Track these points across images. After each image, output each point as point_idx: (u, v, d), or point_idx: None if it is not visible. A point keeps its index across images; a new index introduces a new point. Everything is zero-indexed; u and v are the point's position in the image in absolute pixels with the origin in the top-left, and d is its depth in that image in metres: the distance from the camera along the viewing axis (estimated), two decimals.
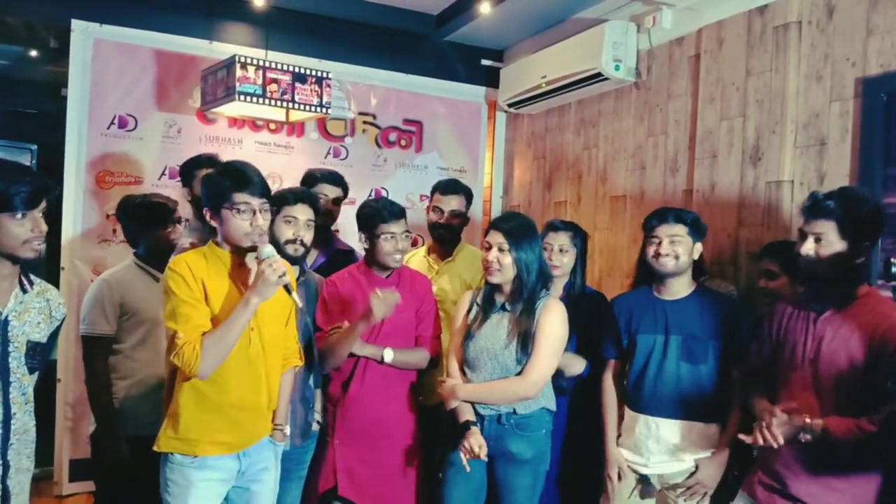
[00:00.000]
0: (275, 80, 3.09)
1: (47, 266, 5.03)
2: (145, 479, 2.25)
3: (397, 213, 2.62)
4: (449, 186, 3.20)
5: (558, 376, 2.56)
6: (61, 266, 3.66)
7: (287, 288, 2.06)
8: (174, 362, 1.99)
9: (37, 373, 1.95)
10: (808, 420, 1.85)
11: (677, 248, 2.41)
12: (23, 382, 1.90)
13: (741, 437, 1.99)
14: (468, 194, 3.22)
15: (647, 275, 2.59)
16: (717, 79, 3.15)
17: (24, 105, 4.94)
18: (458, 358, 2.52)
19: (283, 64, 3.20)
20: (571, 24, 4.00)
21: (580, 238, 2.82)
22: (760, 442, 1.89)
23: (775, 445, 1.87)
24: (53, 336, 2.01)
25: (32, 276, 2.00)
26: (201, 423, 2.07)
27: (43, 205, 1.87)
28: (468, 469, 2.36)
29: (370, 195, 4.31)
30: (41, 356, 1.94)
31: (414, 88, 4.50)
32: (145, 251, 2.75)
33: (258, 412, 2.18)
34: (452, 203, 3.14)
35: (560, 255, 2.76)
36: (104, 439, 2.62)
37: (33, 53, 4.40)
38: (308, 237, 2.52)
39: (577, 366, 2.65)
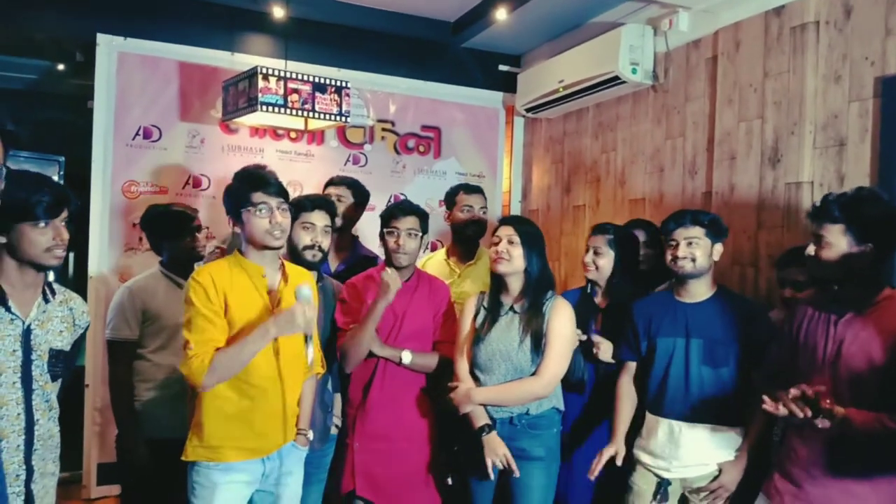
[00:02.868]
0: (295, 91, 3.14)
1: (75, 274, 5.17)
2: (170, 482, 2.30)
3: (405, 209, 2.66)
4: (471, 187, 3.35)
5: (576, 370, 2.58)
6: (89, 275, 3.74)
7: (306, 338, 2.11)
8: (181, 370, 2.06)
9: (60, 380, 2.00)
10: (828, 403, 1.80)
11: (694, 251, 2.40)
12: (45, 390, 1.95)
13: (765, 405, 1.88)
14: (485, 195, 3.35)
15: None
16: (734, 80, 3.14)
17: (52, 118, 5.05)
18: (468, 361, 2.54)
19: (303, 74, 3.25)
20: (588, 28, 4.01)
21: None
22: (781, 411, 1.84)
23: (799, 414, 1.81)
24: (77, 344, 2.06)
25: (56, 286, 2.05)
26: (224, 430, 2.12)
27: (64, 214, 1.93)
28: (492, 477, 2.40)
29: (389, 201, 4.35)
30: (64, 364, 1.99)
31: (432, 95, 4.53)
32: (169, 259, 2.81)
33: (280, 418, 2.22)
34: (480, 201, 3.28)
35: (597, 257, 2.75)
36: (126, 443, 2.68)
37: (60, 67, 4.51)
38: (325, 243, 2.56)
39: (608, 349, 2.64)
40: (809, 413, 1.80)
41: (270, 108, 3.12)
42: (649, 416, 2.50)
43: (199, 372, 2.02)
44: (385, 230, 2.64)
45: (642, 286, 2.88)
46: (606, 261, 2.73)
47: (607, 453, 2.47)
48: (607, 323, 2.71)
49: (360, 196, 3.29)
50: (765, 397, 1.89)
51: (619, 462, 2.47)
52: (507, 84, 4.63)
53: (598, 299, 2.79)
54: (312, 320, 2.08)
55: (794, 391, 1.82)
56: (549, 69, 4.09)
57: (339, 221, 2.98)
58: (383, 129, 4.43)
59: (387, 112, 4.43)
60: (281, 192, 2.18)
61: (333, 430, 2.67)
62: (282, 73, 3.16)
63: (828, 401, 1.80)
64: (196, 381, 2.04)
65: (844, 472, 1.94)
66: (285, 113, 3.16)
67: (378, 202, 4.30)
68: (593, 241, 2.77)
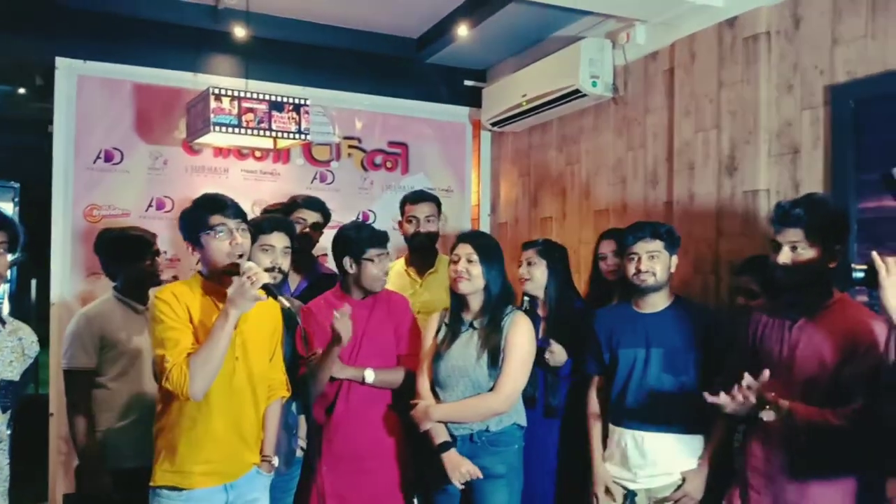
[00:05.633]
0: (251, 110, 3.12)
1: (37, 300, 5.09)
2: None
3: (383, 236, 2.67)
4: (418, 196, 3.28)
5: (529, 384, 2.56)
6: (51, 301, 3.68)
7: (269, 290, 2.04)
8: (166, 387, 2.00)
9: (10, 411, 1.96)
10: (773, 396, 1.85)
11: (655, 265, 2.43)
12: None
13: (708, 397, 1.93)
14: (438, 202, 3.29)
15: (600, 290, 2.63)
16: (691, 91, 3.18)
17: (9, 143, 4.99)
18: (429, 378, 2.54)
19: (259, 93, 3.24)
20: (549, 42, 4.05)
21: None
22: (727, 401, 1.88)
23: (740, 398, 1.86)
24: (26, 374, 2.03)
25: (4, 315, 2.02)
26: (193, 454, 2.09)
27: None
28: (459, 487, 2.39)
29: (358, 218, 4.34)
30: (14, 394, 1.96)
31: (398, 111, 4.54)
32: (124, 284, 2.77)
33: (243, 443, 2.19)
34: (425, 210, 3.21)
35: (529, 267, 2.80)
36: (87, 473, 2.63)
37: (20, 91, 4.46)
38: (285, 264, 2.55)
39: (560, 355, 2.65)
40: (753, 399, 1.83)
41: (224, 129, 3.10)
42: (612, 428, 2.51)
43: (181, 382, 1.97)
44: (370, 259, 2.60)
45: (608, 295, 2.91)
46: (540, 270, 2.78)
47: (599, 492, 2.49)
48: (551, 332, 2.72)
49: (327, 218, 3.27)
50: (706, 393, 1.93)
51: (611, 493, 2.50)
52: (473, 99, 4.65)
53: (539, 311, 2.81)
54: (265, 283, 2.02)
55: (739, 385, 1.86)
56: (512, 84, 4.12)
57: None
58: (350, 146, 4.42)
59: (353, 129, 4.43)
60: (239, 213, 2.16)
61: (299, 453, 2.64)
62: (236, 93, 3.15)
63: (772, 394, 1.84)
64: (183, 392, 1.98)
65: (802, 475, 1.96)
66: (240, 133, 3.14)
67: (346, 219, 4.25)
68: (524, 255, 2.84)
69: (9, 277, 1.98)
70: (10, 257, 1.91)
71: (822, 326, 1.98)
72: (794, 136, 2.76)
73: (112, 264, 2.79)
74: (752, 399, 1.85)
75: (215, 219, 2.10)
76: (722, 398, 1.89)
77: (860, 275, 1.77)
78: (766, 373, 1.87)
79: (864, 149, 2.51)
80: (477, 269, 2.46)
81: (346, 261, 2.62)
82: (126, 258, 2.74)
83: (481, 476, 2.37)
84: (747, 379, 1.86)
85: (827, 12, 2.64)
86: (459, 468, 2.37)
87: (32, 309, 4.98)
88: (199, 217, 2.12)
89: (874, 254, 1.74)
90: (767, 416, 1.84)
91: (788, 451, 1.99)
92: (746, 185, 2.90)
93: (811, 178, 2.68)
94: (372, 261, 2.59)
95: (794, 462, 1.97)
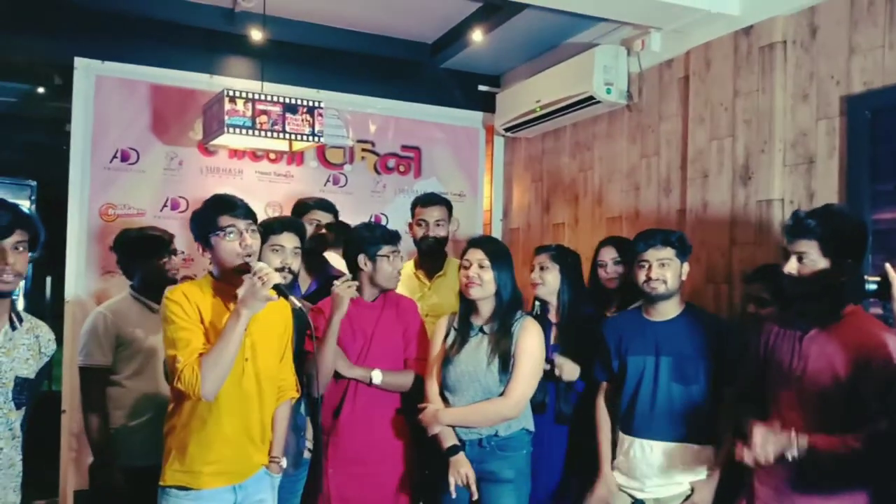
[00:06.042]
0: (264, 112, 3.14)
1: (52, 298, 5.15)
2: None
3: (395, 234, 2.69)
4: (429, 199, 3.27)
5: (538, 390, 2.56)
6: (66, 298, 3.72)
7: (280, 290, 2.05)
8: (178, 387, 2.01)
9: (24, 408, 1.98)
10: (793, 435, 1.82)
11: (666, 273, 2.42)
12: (9, 418, 1.93)
13: (738, 453, 1.92)
14: (449, 205, 3.28)
15: (598, 297, 2.69)
16: (705, 100, 3.16)
17: (28, 142, 5.05)
18: (438, 383, 2.54)
19: (273, 95, 3.27)
20: (564, 49, 4.05)
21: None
22: (750, 461, 1.87)
23: (762, 461, 1.84)
24: (42, 372, 2.04)
25: (22, 313, 2.04)
26: (202, 454, 2.11)
27: (15, 238, 1.88)
28: (454, 495, 2.39)
29: (370, 221, 4.36)
30: (29, 392, 1.97)
31: (412, 115, 4.55)
32: (141, 282, 2.80)
33: (252, 444, 2.20)
34: (435, 213, 3.20)
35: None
36: (100, 469, 2.65)
37: (38, 91, 4.51)
38: (295, 265, 2.57)
39: (572, 370, 2.63)
40: (772, 457, 1.83)
41: (238, 130, 3.12)
42: (622, 436, 2.50)
43: (193, 382, 1.97)
44: (385, 256, 2.62)
45: (607, 303, 2.90)
46: (552, 275, 2.76)
47: (599, 493, 2.47)
48: (562, 338, 2.71)
49: (336, 219, 3.28)
50: (737, 449, 1.91)
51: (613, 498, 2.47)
52: (487, 104, 4.66)
53: (550, 316, 2.80)
54: (277, 282, 2.03)
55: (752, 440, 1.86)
56: (526, 89, 4.12)
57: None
58: (363, 150, 4.44)
59: (367, 132, 4.45)
60: (248, 214, 2.17)
61: (306, 455, 2.65)
62: (250, 95, 3.17)
63: (791, 432, 1.82)
64: (195, 392, 1.98)
65: (811, 488, 1.94)
66: (253, 135, 3.16)
67: (358, 222, 4.29)
68: (537, 259, 2.82)
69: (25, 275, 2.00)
70: (30, 255, 1.92)
71: (833, 338, 1.96)
72: (809, 146, 2.74)
73: (129, 263, 2.83)
74: (771, 456, 1.83)
75: (225, 220, 2.11)
76: (747, 456, 1.87)
77: (873, 286, 1.75)
78: (777, 424, 1.87)
79: (880, 159, 2.49)
80: (488, 275, 2.47)
81: (361, 258, 2.63)
82: (143, 257, 2.78)
83: (475, 496, 2.37)
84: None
85: (844, 22, 2.62)
86: (459, 469, 2.38)
87: (47, 306, 5.04)
88: (209, 218, 2.13)
89: (887, 266, 1.72)
90: (792, 452, 1.81)
91: (797, 463, 1.96)
92: (760, 195, 2.88)
93: (826, 188, 2.66)
94: (387, 257, 2.61)
95: (802, 475, 1.95)
